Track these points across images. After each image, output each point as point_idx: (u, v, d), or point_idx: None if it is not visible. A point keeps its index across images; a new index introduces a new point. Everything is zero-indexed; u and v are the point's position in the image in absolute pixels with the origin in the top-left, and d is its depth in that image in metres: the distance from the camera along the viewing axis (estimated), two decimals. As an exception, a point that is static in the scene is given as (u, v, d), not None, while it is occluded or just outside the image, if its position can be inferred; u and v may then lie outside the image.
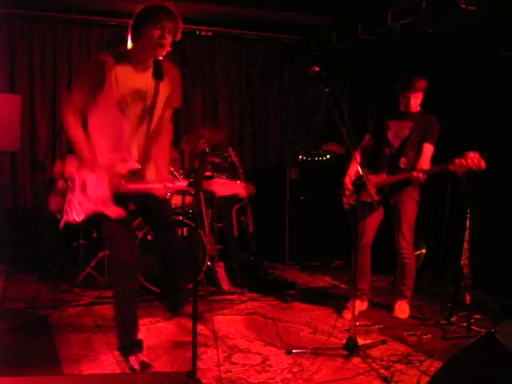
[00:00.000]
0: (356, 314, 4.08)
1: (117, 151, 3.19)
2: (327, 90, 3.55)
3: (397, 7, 5.65)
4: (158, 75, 3.16)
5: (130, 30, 3.12)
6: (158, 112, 3.25)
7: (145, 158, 3.25)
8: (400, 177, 4.30)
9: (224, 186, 3.08)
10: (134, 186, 3.18)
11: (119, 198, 3.17)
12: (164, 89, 3.22)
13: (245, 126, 7.36)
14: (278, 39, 7.33)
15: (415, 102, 4.36)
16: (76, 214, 3.17)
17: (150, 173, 3.30)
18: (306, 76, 3.86)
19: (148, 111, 3.22)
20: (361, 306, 4.48)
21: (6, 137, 5.25)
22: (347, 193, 4.39)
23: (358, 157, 3.94)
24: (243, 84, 7.34)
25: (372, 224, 4.46)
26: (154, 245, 3.75)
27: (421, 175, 4.20)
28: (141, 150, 3.25)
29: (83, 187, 3.17)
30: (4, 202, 6.23)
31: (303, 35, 7.14)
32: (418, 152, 4.34)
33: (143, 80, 3.17)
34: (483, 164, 3.80)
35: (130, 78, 3.13)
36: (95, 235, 5.49)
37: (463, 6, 4.88)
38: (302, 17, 6.65)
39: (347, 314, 4.22)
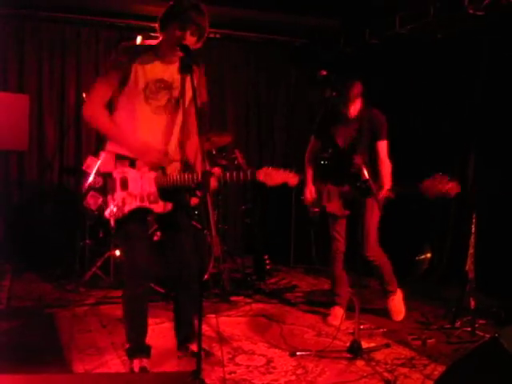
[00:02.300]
0: (339, 322, 4.09)
1: (154, 143, 3.18)
2: (335, 94, 3.58)
3: (405, 12, 5.67)
4: (184, 70, 3.14)
5: (158, 20, 3.12)
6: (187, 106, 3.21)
7: (183, 152, 3.23)
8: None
9: (272, 176, 3.00)
10: (176, 180, 3.15)
11: (163, 193, 3.17)
12: (190, 83, 3.12)
13: (251, 127, 7.38)
14: (285, 42, 7.32)
15: (355, 109, 4.19)
16: (119, 211, 3.13)
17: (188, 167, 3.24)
18: (313, 79, 3.87)
19: (176, 103, 3.22)
20: (340, 312, 4.34)
21: (14, 136, 5.26)
22: (310, 203, 4.49)
23: (359, 158, 3.85)
24: (250, 86, 7.35)
25: (341, 231, 4.42)
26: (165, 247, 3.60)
27: (386, 194, 3.93)
28: (178, 144, 3.25)
29: (124, 185, 3.15)
30: (11, 202, 6.26)
31: (311, 39, 7.14)
32: (373, 151, 4.22)
33: (168, 71, 3.19)
34: (452, 188, 3.35)
35: (154, 67, 3.15)
36: (101, 235, 5.52)
37: (471, 12, 4.89)
38: (310, 20, 6.66)
39: (333, 321, 4.27)
